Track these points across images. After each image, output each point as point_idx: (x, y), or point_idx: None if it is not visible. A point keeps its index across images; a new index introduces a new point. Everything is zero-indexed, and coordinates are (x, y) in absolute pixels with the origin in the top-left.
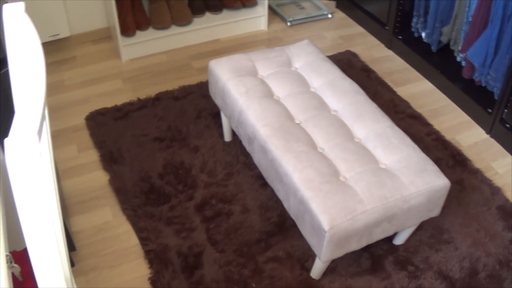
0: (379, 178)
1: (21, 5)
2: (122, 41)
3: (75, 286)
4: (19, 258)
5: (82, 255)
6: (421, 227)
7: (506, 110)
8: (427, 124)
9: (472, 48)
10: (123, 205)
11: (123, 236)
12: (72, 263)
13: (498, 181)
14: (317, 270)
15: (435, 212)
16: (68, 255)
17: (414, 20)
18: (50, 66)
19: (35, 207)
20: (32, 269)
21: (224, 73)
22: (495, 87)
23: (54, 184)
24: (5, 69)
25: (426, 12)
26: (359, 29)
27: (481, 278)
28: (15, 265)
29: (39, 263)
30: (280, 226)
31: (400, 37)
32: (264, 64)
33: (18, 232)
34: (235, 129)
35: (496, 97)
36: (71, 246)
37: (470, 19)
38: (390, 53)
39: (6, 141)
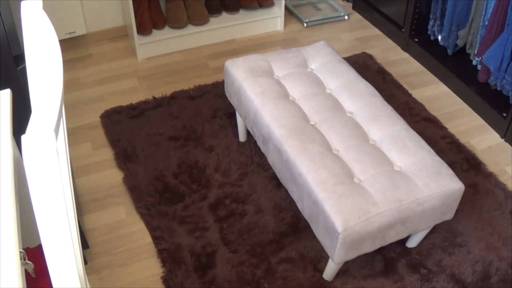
0: (393, 181)
1: (39, 2)
2: (138, 40)
3: (88, 284)
4: (33, 255)
5: (95, 253)
6: (434, 230)
7: None
8: (442, 127)
9: (488, 51)
10: (137, 204)
11: (136, 234)
12: (85, 261)
13: None
14: (329, 271)
15: (449, 215)
16: (81, 252)
17: (431, 23)
18: (66, 63)
19: (51, 204)
20: (45, 266)
21: (240, 73)
22: (511, 91)
23: (70, 182)
24: (23, 66)
25: (442, 15)
26: (376, 31)
27: (493, 282)
28: (29, 262)
29: (53, 261)
30: (293, 227)
31: (416, 39)
32: (280, 65)
33: (32, 229)
34: (250, 130)
35: (511, 102)
36: (84, 243)
37: (486, 23)
38: (406, 55)
39: (23, 138)
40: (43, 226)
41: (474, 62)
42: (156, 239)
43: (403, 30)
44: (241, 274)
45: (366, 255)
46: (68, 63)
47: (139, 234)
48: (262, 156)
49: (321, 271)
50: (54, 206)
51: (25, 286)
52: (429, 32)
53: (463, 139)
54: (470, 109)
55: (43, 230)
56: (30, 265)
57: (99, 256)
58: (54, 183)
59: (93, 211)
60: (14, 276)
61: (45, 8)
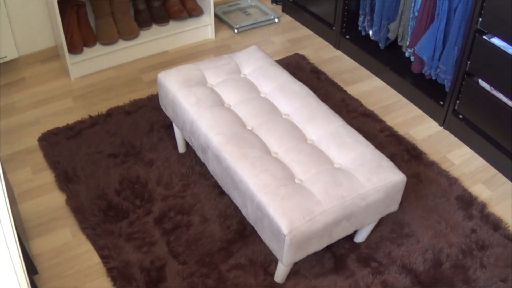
0: (335, 178)
1: None
2: (70, 59)
3: None
4: None
5: (45, 278)
6: (381, 223)
7: (458, 101)
8: (380, 121)
9: (420, 42)
10: (82, 224)
11: (84, 255)
12: (35, 287)
13: (454, 172)
14: (280, 274)
15: (394, 207)
16: (29, 279)
17: (361, 19)
18: None
19: None
20: None
21: (173, 84)
22: (446, 79)
23: (7, 209)
24: None
25: (372, 11)
26: (307, 31)
27: (445, 268)
28: None
29: None
30: (240, 233)
31: (347, 36)
32: (213, 73)
33: None
34: (188, 140)
35: (447, 89)
36: (33, 269)
37: (416, 14)
38: (338, 53)
39: None
40: None
41: (407, 54)
42: (105, 258)
43: (333, 28)
44: (192, 285)
45: (315, 254)
46: (2, 89)
47: (87, 255)
48: (202, 165)
49: (272, 275)
50: None
51: None
52: (360, 28)
53: (402, 131)
54: (406, 100)
55: None
56: None
57: (49, 280)
58: None
59: (39, 236)
60: None
61: None
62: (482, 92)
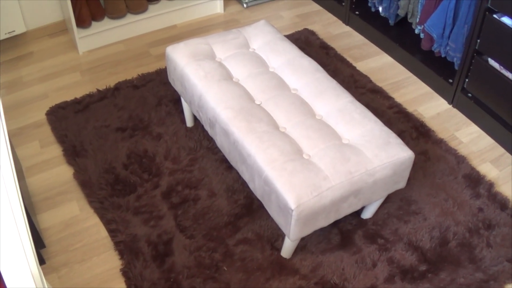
0: (342, 154)
1: None
2: (78, 33)
3: (45, 283)
4: None
5: (52, 252)
6: (388, 199)
7: (467, 80)
8: (389, 98)
9: (430, 19)
10: (90, 198)
11: (91, 229)
12: (43, 261)
13: (462, 150)
14: (287, 249)
15: (401, 184)
16: (36, 253)
17: None
18: (7, 63)
19: None
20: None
21: (182, 58)
22: (455, 57)
23: (15, 183)
24: None
25: None
26: (316, 6)
27: (451, 247)
28: None
29: (4, 263)
30: (247, 207)
31: (357, 12)
32: (222, 47)
33: None
34: (196, 114)
35: (456, 67)
36: (40, 243)
37: None
38: (348, 29)
39: None
40: None
41: (416, 31)
42: (112, 232)
43: (343, 3)
44: (199, 259)
45: (322, 229)
46: (10, 63)
47: (94, 229)
48: (210, 140)
49: (279, 249)
50: None
51: None
52: (369, 4)
53: (410, 108)
54: (415, 77)
55: None
56: None
57: (57, 254)
58: None
59: (46, 210)
60: None
61: None
62: (491, 71)
